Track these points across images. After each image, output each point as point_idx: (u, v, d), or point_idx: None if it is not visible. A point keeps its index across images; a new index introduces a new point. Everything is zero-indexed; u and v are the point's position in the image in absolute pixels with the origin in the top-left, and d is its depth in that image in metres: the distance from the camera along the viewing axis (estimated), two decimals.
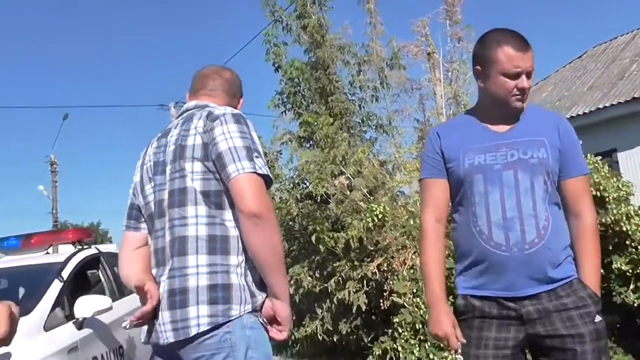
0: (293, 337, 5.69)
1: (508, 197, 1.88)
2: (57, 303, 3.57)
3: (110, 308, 3.67)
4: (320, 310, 5.55)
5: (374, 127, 6.87)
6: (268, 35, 6.67)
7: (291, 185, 6.55)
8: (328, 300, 5.45)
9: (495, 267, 1.88)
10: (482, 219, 1.90)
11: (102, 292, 4.41)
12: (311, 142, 6.56)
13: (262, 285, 1.67)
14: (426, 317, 4.46)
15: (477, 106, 2.09)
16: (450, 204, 2.06)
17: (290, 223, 6.19)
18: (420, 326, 4.47)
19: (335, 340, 5.54)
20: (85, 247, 4.76)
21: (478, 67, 1.98)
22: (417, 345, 4.49)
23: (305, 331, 5.58)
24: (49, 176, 33.38)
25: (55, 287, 3.68)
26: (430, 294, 1.99)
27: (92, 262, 4.55)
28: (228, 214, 1.66)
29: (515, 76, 1.88)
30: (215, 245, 1.63)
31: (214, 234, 1.64)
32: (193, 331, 1.57)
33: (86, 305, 3.53)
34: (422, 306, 4.52)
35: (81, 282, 4.27)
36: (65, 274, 3.88)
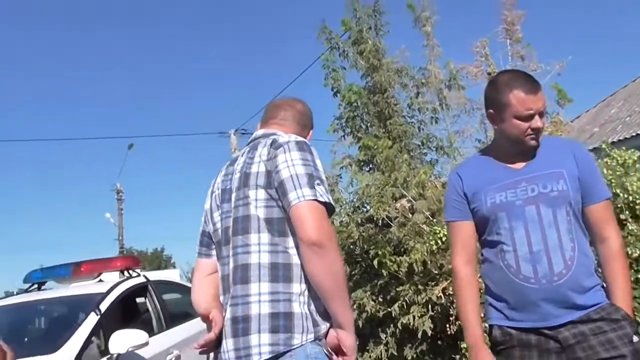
0: None
1: (533, 231, 1.92)
2: (92, 337, 3.49)
3: (146, 343, 3.56)
4: (384, 335, 5.47)
5: (434, 148, 6.80)
6: (326, 61, 6.76)
7: (352, 209, 6.55)
8: (392, 325, 5.37)
9: (525, 299, 1.91)
10: (510, 253, 1.95)
11: (149, 322, 4.39)
12: (371, 166, 6.57)
13: (326, 314, 1.66)
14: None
15: (493, 145, 2.17)
16: (478, 242, 2.12)
17: (352, 247, 6.17)
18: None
19: None
20: (134, 275, 4.74)
21: (491, 110, 2.05)
22: None
23: (370, 356, 5.51)
24: (115, 204, 34.82)
25: (90, 321, 3.59)
26: (469, 336, 2.04)
27: (139, 290, 4.51)
28: (291, 242, 1.66)
29: (528, 118, 1.94)
30: (277, 273, 1.64)
31: (276, 262, 1.64)
32: (255, 359, 1.57)
33: (121, 340, 3.41)
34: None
35: (126, 312, 4.25)
36: (105, 306, 3.81)
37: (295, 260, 1.65)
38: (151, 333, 4.20)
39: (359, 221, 6.17)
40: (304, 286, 1.64)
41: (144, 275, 4.88)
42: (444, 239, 5.04)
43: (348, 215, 6.39)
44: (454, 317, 4.82)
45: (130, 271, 4.85)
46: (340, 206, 6.50)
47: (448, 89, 6.79)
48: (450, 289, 5.04)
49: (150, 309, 4.49)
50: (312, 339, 1.61)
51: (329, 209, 1.66)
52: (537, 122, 1.95)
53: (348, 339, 1.67)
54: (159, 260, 60.27)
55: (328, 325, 1.67)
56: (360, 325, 5.58)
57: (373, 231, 5.91)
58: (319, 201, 1.61)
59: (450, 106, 6.73)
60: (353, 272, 6.14)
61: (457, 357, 4.71)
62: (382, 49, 6.66)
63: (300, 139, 1.77)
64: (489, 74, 6.37)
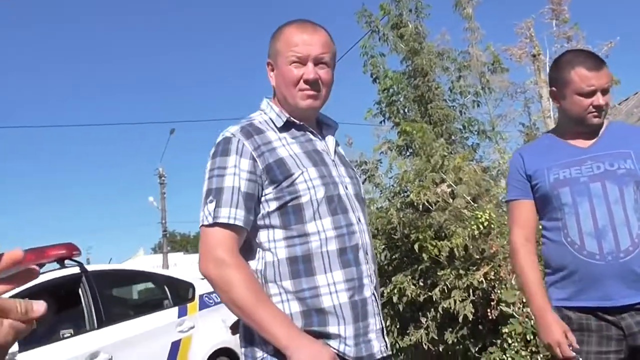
0: (397, 347, 5.66)
1: (598, 206, 1.87)
2: None
3: (15, 353, 3.14)
4: (425, 319, 5.48)
5: (476, 133, 6.72)
6: (365, 47, 6.74)
7: (392, 194, 6.55)
8: (433, 309, 5.38)
9: (589, 276, 1.86)
10: (573, 229, 1.90)
11: (79, 319, 4.07)
12: (410, 151, 6.54)
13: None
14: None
15: (558, 125, 2.17)
16: (538, 223, 2.10)
17: (392, 232, 6.18)
18: (532, 337, 4.30)
19: (440, 349, 5.45)
20: (69, 265, 4.38)
21: (554, 88, 2.04)
22: (528, 357, 4.33)
23: (410, 340, 5.53)
24: (158, 188, 35.56)
25: None
26: (534, 306, 2.00)
27: (70, 283, 4.10)
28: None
29: (590, 94, 1.92)
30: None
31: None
32: None
33: None
34: (533, 316, 4.36)
35: (55, 307, 3.67)
36: None
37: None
38: (80, 331, 3.98)
39: (399, 206, 6.16)
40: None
41: (81, 266, 4.50)
42: (485, 223, 5.00)
43: (388, 200, 6.39)
44: (495, 301, 4.79)
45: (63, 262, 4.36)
46: (381, 191, 6.51)
47: (491, 72, 6.68)
48: (492, 273, 5.01)
49: (83, 303, 4.14)
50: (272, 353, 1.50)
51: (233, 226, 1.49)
52: (599, 99, 1.93)
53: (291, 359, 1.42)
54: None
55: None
56: (401, 309, 5.61)
57: (413, 216, 5.91)
58: (204, 225, 1.51)
59: (492, 89, 6.63)
60: (393, 257, 6.16)
61: (499, 342, 4.69)
62: (422, 32, 6.59)
63: (222, 136, 1.59)
64: (534, 55, 6.25)
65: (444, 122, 6.47)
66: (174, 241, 54.68)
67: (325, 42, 1.61)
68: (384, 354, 1.58)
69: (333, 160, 1.65)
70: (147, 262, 44.71)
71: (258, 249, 1.54)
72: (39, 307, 0.61)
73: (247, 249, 1.55)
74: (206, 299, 5.43)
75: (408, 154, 6.58)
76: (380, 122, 6.94)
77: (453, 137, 6.54)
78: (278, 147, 1.56)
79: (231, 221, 1.48)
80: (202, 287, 5.46)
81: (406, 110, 6.73)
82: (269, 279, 1.51)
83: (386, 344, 1.59)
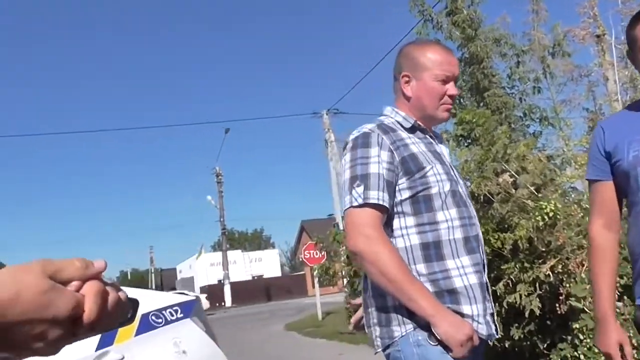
0: None
1: None
2: None
3: None
4: None
5: (538, 120, 6.46)
6: (419, 35, 6.59)
7: None
8: (497, 304, 5.19)
9: None
10: None
11: None
12: (469, 140, 6.35)
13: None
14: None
15: None
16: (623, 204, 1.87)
17: None
18: None
19: (507, 346, 5.26)
20: None
21: (628, 48, 1.81)
22: (601, 354, 4.10)
23: None
24: (215, 187, 36.29)
25: None
26: (598, 310, 1.85)
27: None
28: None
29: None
30: None
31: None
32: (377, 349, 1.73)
33: None
34: (595, 319, 4.14)
35: None
36: None
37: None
38: None
39: None
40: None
41: None
42: (550, 214, 4.78)
43: None
44: (564, 296, 4.58)
45: None
46: None
47: (552, 56, 6.40)
48: (560, 267, 4.79)
49: None
50: (412, 329, 1.65)
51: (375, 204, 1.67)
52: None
53: (436, 326, 1.59)
54: (259, 241, 62.55)
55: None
56: None
57: (475, 207, 5.73)
58: (353, 206, 1.68)
59: (554, 74, 6.35)
60: None
61: (569, 338, 4.48)
62: (477, 18, 6.38)
63: (359, 131, 1.78)
64: (598, 36, 5.93)
65: (503, 110, 6.26)
66: (232, 239, 55.73)
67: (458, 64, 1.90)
68: (496, 337, 1.76)
69: (448, 163, 1.85)
70: (207, 260, 45.91)
71: (390, 235, 1.69)
72: (99, 263, 0.59)
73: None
74: (153, 318, 3.89)
75: (467, 144, 6.39)
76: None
77: (513, 126, 6.31)
78: (410, 144, 1.75)
79: (380, 202, 1.65)
80: (153, 302, 3.95)
81: (462, 100, 6.54)
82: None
83: (496, 328, 1.74)
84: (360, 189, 1.66)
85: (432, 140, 1.86)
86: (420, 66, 1.81)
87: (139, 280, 67.66)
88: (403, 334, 1.64)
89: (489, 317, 1.70)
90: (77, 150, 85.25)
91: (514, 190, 5.33)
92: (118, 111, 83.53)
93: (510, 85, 6.64)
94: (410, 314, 1.62)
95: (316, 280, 13.92)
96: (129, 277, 70.85)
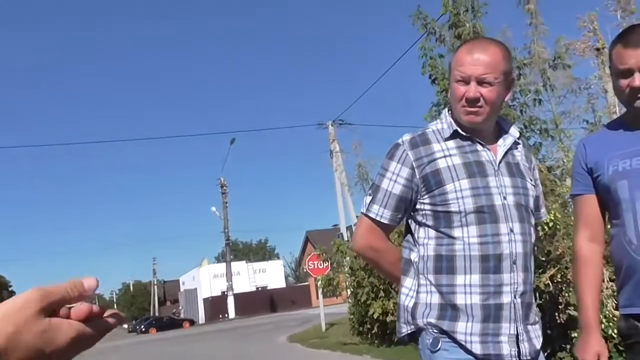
0: None
1: None
2: None
3: None
4: None
5: (538, 131, 6.52)
6: (423, 49, 6.68)
7: None
8: None
9: None
10: (630, 227, 1.74)
11: None
12: None
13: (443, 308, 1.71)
14: (607, 332, 4.12)
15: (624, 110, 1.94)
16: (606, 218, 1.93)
17: None
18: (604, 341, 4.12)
19: None
20: None
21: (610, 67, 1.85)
22: None
23: None
24: (220, 198, 36.31)
25: None
26: (581, 319, 1.89)
27: None
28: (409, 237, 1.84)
29: (626, 74, 1.73)
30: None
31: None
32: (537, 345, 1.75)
33: None
34: (604, 320, 4.17)
35: None
36: None
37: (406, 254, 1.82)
38: None
39: None
40: (415, 280, 1.78)
41: None
42: (550, 224, 4.84)
43: None
44: (563, 305, 4.63)
45: None
46: None
47: (552, 68, 6.48)
48: (559, 276, 4.84)
49: None
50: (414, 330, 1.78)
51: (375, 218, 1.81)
52: (634, 80, 1.71)
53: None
54: (263, 252, 62.42)
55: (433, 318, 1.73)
56: None
57: None
58: (361, 211, 1.85)
59: (555, 86, 6.42)
60: None
61: (568, 346, 4.52)
62: (480, 31, 6.47)
63: (396, 141, 1.85)
64: (597, 49, 6.02)
65: None
66: (236, 250, 55.66)
67: (491, 63, 1.71)
68: (525, 358, 1.68)
69: (497, 171, 1.75)
70: (210, 271, 45.79)
71: (417, 243, 1.78)
72: (90, 282, 0.57)
73: (411, 241, 1.81)
74: None
75: None
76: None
77: None
78: (439, 158, 1.74)
79: (377, 217, 1.79)
80: None
81: None
82: (420, 270, 1.75)
83: (519, 350, 1.67)
84: (368, 199, 1.81)
85: (481, 147, 1.77)
86: (451, 67, 1.79)
87: (142, 292, 67.51)
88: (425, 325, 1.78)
89: (502, 338, 1.66)
90: (80, 161, 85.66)
91: None
92: (120, 121, 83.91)
93: (512, 98, 6.71)
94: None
95: (320, 291, 13.95)
96: (132, 289, 70.70)
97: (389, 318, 9.00)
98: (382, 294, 9.39)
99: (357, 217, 1.89)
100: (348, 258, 10.84)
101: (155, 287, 62.60)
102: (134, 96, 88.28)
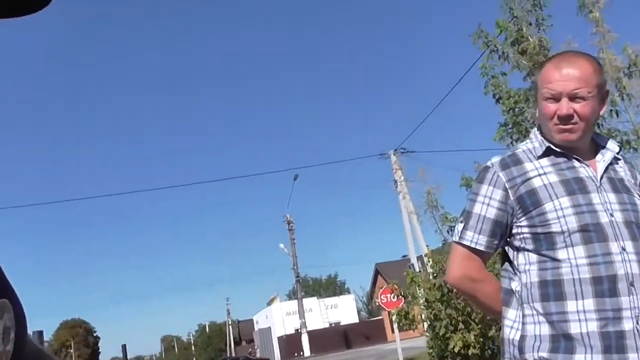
0: None
1: None
2: None
3: None
4: None
5: (619, 144, 6.13)
6: (484, 68, 6.48)
7: None
8: None
9: None
10: None
11: None
12: None
13: (548, 341, 1.55)
14: None
15: None
16: None
17: None
18: None
19: None
20: None
21: None
22: None
23: None
24: (287, 234, 36.57)
25: None
26: None
27: None
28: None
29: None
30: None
31: None
32: None
33: None
34: None
35: None
36: None
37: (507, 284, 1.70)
38: None
39: None
40: (519, 312, 1.65)
41: None
42: None
43: None
44: None
45: None
46: None
47: (628, 77, 6.12)
48: None
49: None
50: None
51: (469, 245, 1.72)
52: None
53: None
54: (334, 287, 62.07)
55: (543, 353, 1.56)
56: None
57: None
58: (454, 240, 1.76)
59: (632, 95, 6.05)
60: None
61: None
62: (546, 44, 6.22)
63: (485, 164, 1.76)
64: None
65: None
66: (306, 286, 55.60)
67: (582, 77, 1.64)
68: None
69: (599, 187, 1.65)
70: (283, 309, 45.88)
71: (517, 270, 1.66)
72: None
73: (510, 269, 1.69)
74: None
75: None
76: (508, 145, 6.58)
77: None
78: (533, 177, 1.65)
79: (472, 245, 1.70)
80: None
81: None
82: (524, 299, 1.61)
83: None
84: (461, 226, 1.73)
85: (578, 164, 1.68)
86: (537, 85, 1.75)
87: (217, 332, 68.35)
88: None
89: None
90: (151, 205, 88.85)
91: None
92: (186, 166, 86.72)
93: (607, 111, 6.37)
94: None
95: (395, 325, 13.60)
96: (207, 330, 71.78)
97: (471, 351, 8.63)
98: (461, 325, 9.03)
99: (427, 246, 1.79)
100: (422, 290, 10.52)
101: (230, 327, 63.31)
102: (194, 141, 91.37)
